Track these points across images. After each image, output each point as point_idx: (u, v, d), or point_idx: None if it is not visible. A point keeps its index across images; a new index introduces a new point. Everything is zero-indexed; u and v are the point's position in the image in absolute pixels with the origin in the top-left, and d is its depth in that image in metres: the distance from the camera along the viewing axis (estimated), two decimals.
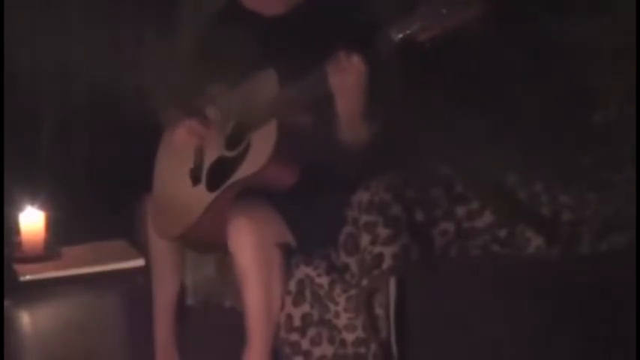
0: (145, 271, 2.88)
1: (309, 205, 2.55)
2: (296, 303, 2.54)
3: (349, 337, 2.47)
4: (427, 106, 2.70)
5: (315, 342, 2.53)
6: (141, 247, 2.94)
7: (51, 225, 3.02)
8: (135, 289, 2.88)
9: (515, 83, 2.81)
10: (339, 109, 2.50)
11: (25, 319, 2.77)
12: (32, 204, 3.02)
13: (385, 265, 2.41)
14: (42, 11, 3.43)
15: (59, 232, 3.06)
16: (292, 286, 2.55)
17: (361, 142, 2.56)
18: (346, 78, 2.44)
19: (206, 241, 2.70)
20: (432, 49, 2.33)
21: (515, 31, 2.81)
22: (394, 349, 2.44)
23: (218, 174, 2.67)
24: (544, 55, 2.82)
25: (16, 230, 3.01)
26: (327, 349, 2.52)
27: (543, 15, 2.81)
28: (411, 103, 2.66)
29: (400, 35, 2.35)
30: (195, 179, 2.74)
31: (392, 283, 2.42)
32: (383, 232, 2.43)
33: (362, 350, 2.45)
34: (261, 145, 2.56)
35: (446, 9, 2.30)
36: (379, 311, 2.44)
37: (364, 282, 2.43)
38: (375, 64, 2.43)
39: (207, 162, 2.73)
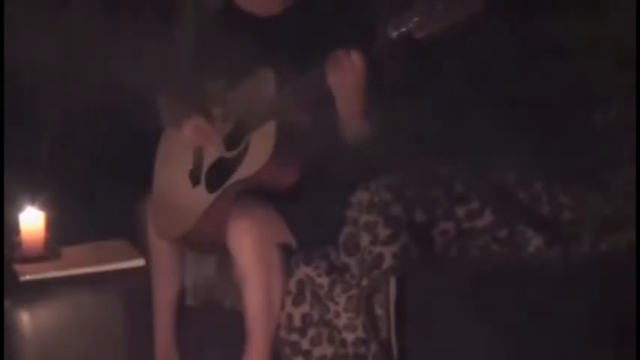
0: (145, 271, 2.88)
1: (309, 205, 2.55)
2: (296, 303, 2.54)
3: (349, 337, 2.47)
4: (426, 105, 2.70)
5: (315, 342, 2.53)
6: (141, 247, 2.94)
7: (51, 225, 3.02)
8: (135, 289, 2.88)
9: (514, 83, 2.81)
10: (339, 108, 2.49)
11: (25, 319, 2.77)
12: (32, 204, 3.01)
13: (385, 265, 2.41)
14: (42, 11, 3.43)
15: (59, 232, 3.06)
16: (292, 286, 2.55)
17: (362, 139, 2.55)
18: (345, 77, 2.43)
19: (206, 242, 2.70)
20: (429, 47, 2.33)
21: (514, 30, 2.81)
22: (394, 349, 2.44)
23: (217, 175, 2.67)
24: (544, 55, 2.82)
25: (16, 230, 3.01)
26: (327, 349, 2.52)
27: (542, 14, 2.81)
28: (408, 101, 2.65)
29: (397, 33, 2.34)
30: (195, 180, 2.74)
31: (392, 283, 2.42)
32: (383, 232, 2.43)
33: (362, 350, 2.45)
34: (261, 145, 2.56)
35: (443, 6, 2.29)
36: (379, 311, 2.44)
37: (364, 282, 2.43)
38: (373, 62, 2.42)
39: (207, 163, 2.73)
